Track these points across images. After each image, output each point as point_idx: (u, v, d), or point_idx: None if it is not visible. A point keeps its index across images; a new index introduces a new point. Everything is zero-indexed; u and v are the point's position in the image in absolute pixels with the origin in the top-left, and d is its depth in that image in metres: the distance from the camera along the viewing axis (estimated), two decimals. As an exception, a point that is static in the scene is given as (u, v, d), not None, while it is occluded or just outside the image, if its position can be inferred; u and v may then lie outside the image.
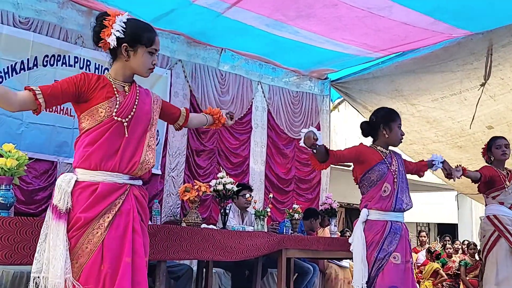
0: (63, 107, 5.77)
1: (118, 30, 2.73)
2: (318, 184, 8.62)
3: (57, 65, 5.75)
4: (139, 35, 2.79)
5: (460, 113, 7.45)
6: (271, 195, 6.56)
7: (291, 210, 6.03)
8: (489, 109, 7.14)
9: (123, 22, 2.75)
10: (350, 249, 4.14)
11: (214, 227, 5.18)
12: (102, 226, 2.62)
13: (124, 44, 2.75)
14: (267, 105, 8.07)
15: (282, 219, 6.63)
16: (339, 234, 7.46)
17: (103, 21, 2.77)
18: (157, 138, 3.34)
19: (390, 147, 4.33)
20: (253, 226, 5.62)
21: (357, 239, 4.06)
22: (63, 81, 2.74)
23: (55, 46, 5.75)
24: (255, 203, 6.03)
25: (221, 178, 5.19)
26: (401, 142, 4.29)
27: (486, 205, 5.63)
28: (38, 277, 2.62)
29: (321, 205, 6.95)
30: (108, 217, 2.64)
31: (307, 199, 8.37)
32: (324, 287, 7.78)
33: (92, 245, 2.58)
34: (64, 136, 5.80)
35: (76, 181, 2.69)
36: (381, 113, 4.38)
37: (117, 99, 2.77)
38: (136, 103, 2.83)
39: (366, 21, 6.10)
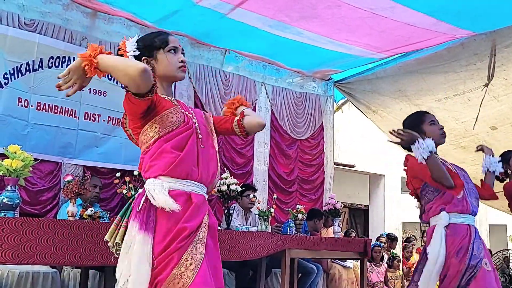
0: (68, 108, 5.80)
1: (132, 50, 2.58)
2: (321, 185, 8.63)
3: (62, 66, 5.77)
4: (151, 42, 2.65)
5: (463, 113, 7.45)
6: (275, 196, 6.58)
7: (294, 211, 6.05)
8: (492, 109, 7.14)
9: (135, 41, 2.62)
10: (429, 257, 3.61)
11: (218, 228, 5.20)
12: (202, 240, 2.38)
13: (143, 58, 2.59)
14: (271, 106, 8.09)
15: (285, 220, 6.65)
16: (343, 234, 7.46)
17: (118, 52, 2.62)
18: None
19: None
20: (257, 227, 5.63)
21: (436, 246, 3.57)
22: None
23: (60, 47, 5.77)
24: (258, 203, 6.05)
25: (225, 178, 5.22)
26: (444, 136, 3.85)
27: None
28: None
29: (325, 206, 6.96)
30: (204, 232, 2.41)
31: (311, 199, 8.38)
32: (327, 287, 7.79)
33: (196, 262, 2.30)
34: (69, 137, 5.83)
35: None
36: (408, 121, 4.00)
37: (178, 107, 2.60)
38: (192, 114, 2.69)
39: (369, 22, 6.11)
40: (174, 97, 2.78)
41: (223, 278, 2.52)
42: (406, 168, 3.88)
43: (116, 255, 2.41)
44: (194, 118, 2.64)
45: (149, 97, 2.37)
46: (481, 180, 4.11)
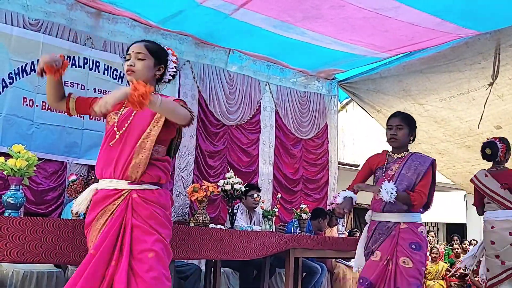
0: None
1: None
2: (326, 184, 8.63)
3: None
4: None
5: (468, 112, 7.44)
6: (279, 195, 6.59)
7: (298, 210, 6.05)
8: (497, 108, 7.13)
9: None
10: None
11: (222, 227, 5.21)
12: (97, 229, 2.81)
13: None
14: (275, 106, 8.09)
15: (290, 219, 6.65)
16: (347, 234, 7.45)
17: None
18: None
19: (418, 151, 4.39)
20: (261, 226, 5.64)
21: (362, 236, 4.42)
22: None
23: (64, 47, 5.79)
24: (263, 203, 6.05)
25: (229, 178, 5.22)
26: (392, 142, 4.23)
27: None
28: None
29: (329, 205, 6.94)
30: (102, 221, 2.82)
31: (315, 199, 8.38)
32: (332, 287, 7.78)
33: (91, 245, 2.80)
34: (74, 137, 5.85)
35: (96, 189, 2.96)
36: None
37: (121, 111, 3.03)
38: (132, 114, 2.99)
39: (373, 22, 6.11)
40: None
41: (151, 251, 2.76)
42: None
43: None
44: (117, 121, 2.99)
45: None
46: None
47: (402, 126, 4.20)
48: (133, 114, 2.96)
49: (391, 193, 3.94)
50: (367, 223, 4.38)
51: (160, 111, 2.79)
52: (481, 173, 5.66)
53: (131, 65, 2.96)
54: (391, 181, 4.05)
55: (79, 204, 2.96)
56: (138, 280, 2.65)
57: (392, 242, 4.03)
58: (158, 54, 3.07)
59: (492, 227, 5.56)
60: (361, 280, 4.09)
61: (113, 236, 2.74)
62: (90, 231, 2.85)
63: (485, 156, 5.68)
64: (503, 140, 5.59)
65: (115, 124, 2.95)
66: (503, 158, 5.52)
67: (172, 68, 3.12)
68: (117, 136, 2.91)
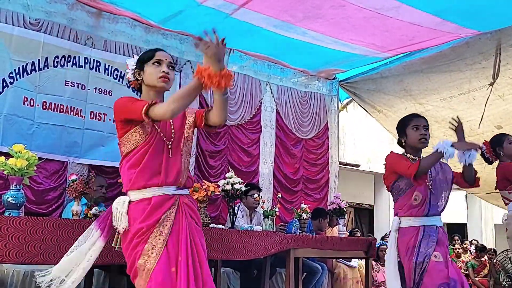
0: (74, 107, 5.82)
1: (132, 65, 3.04)
2: (326, 184, 8.64)
3: (67, 66, 5.80)
4: (141, 57, 3.03)
5: (468, 112, 7.43)
6: (279, 195, 6.58)
7: (299, 210, 6.04)
8: (498, 108, 7.13)
9: (137, 59, 3.06)
10: (385, 258, 4.20)
11: (223, 227, 5.21)
12: (163, 233, 2.77)
13: (135, 71, 3.02)
14: (276, 105, 8.09)
15: (290, 219, 6.65)
16: (348, 233, 7.46)
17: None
18: None
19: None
20: (262, 226, 5.64)
21: (389, 247, 4.07)
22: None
23: (65, 47, 5.80)
24: (263, 202, 6.05)
25: (230, 178, 5.22)
26: (422, 142, 4.00)
27: (509, 201, 5.47)
28: (59, 277, 2.85)
29: (330, 205, 6.95)
30: (167, 225, 2.79)
31: (316, 199, 8.38)
32: (332, 287, 7.79)
33: (158, 250, 2.72)
34: (75, 136, 5.85)
35: (129, 202, 2.88)
36: (398, 123, 4.25)
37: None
38: (172, 122, 2.98)
39: (373, 22, 6.11)
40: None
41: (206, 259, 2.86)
42: (385, 164, 4.17)
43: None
44: (159, 129, 2.92)
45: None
46: (461, 172, 4.23)
47: (427, 127, 4.08)
48: (172, 122, 2.97)
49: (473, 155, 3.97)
50: (392, 231, 4.08)
51: (224, 101, 2.84)
52: None
53: (167, 73, 2.94)
54: (431, 188, 3.97)
55: (120, 221, 2.83)
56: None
57: (441, 244, 3.92)
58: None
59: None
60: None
61: (188, 242, 2.79)
62: (148, 237, 2.75)
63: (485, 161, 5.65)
64: (491, 139, 5.56)
65: (159, 130, 2.91)
66: (493, 157, 5.49)
67: None
68: (170, 146, 2.91)
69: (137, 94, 3.12)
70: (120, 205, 2.87)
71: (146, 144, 2.87)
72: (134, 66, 3.02)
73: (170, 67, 2.99)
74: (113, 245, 2.92)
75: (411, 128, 4.04)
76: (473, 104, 7.26)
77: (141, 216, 2.78)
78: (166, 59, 2.98)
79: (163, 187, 2.86)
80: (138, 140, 2.88)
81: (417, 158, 4.01)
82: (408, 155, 4.05)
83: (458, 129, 4.19)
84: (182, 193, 2.95)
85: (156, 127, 2.90)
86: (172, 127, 2.95)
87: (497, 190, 5.32)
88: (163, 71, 2.93)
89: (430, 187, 3.98)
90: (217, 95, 2.82)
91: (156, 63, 2.96)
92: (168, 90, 3.02)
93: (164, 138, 2.91)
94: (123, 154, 2.95)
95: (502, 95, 6.92)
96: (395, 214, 4.10)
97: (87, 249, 2.89)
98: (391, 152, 4.17)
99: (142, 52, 3.15)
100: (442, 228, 4.03)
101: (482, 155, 5.36)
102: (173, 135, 2.94)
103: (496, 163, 5.33)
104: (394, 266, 3.97)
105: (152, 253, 2.71)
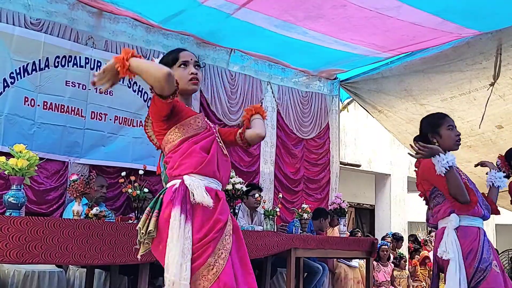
0: (74, 108, 5.82)
1: None
2: (327, 184, 8.63)
3: (68, 66, 5.80)
4: (165, 60, 2.85)
5: (469, 113, 7.44)
6: (280, 195, 6.59)
7: (300, 210, 6.05)
8: (498, 108, 7.13)
9: (160, 58, 2.91)
10: (444, 257, 3.57)
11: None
12: (229, 232, 2.62)
13: None
14: (277, 105, 8.09)
15: (291, 219, 6.65)
16: (349, 234, 7.46)
17: None
18: None
19: None
20: (263, 226, 5.64)
21: (452, 246, 3.54)
22: None
23: (66, 47, 5.79)
24: (264, 203, 6.05)
25: (231, 178, 5.22)
26: (459, 144, 3.74)
27: None
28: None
29: (330, 205, 6.96)
30: (230, 224, 2.65)
31: (316, 199, 8.38)
32: (333, 287, 7.79)
33: (226, 252, 2.54)
34: (76, 137, 5.85)
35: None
36: (425, 122, 3.91)
37: (202, 115, 2.87)
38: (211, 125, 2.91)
39: (374, 22, 6.10)
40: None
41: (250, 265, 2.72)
42: (417, 169, 3.85)
43: (142, 242, 2.58)
44: (214, 128, 2.88)
45: (171, 100, 2.55)
46: (484, 194, 3.96)
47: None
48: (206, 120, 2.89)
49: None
50: (445, 228, 3.64)
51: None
52: None
53: (196, 74, 2.81)
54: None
55: (206, 196, 2.56)
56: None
57: (494, 251, 3.65)
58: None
59: None
60: None
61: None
62: (222, 234, 2.57)
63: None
64: (505, 155, 5.37)
65: (207, 124, 2.84)
66: (508, 171, 5.24)
67: None
68: (221, 144, 2.84)
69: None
70: (195, 181, 2.61)
71: (207, 136, 2.79)
72: None
73: (197, 67, 2.84)
74: (139, 225, 2.58)
75: (446, 128, 3.73)
76: (473, 104, 7.26)
77: (216, 208, 2.60)
78: (191, 59, 2.84)
79: (220, 184, 2.78)
80: (199, 127, 2.78)
81: None
82: None
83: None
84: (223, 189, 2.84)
85: (194, 119, 2.79)
86: (208, 123, 2.90)
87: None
88: (192, 73, 2.79)
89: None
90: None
91: (182, 65, 2.81)
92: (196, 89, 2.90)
93: (217, 136, 2.87)
94: (177, 141, 2.72)
95: (502, 95, 6.92)
96: (449, 213, 3.64)
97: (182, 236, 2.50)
98: (423, 162, 3.73)
99: (164, 55, 2.94)
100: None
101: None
102: (217, 134, 2.90)
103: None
104: (461, 265, 3.50)
105: (222, 253, 2.51)
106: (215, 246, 2.50)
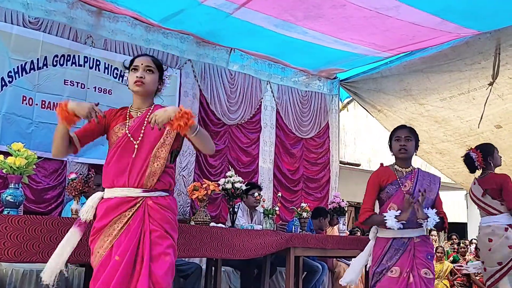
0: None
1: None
2: (327, 183, 8.63)
3: (66, 65, 5.80)
4: (128, 64, 3.21)
5: (468, 112, 7.44)
6: (279, 194, 6.59)
7: (299, 209, 6.04)
8: (497, 108, 7.13)
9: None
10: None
11: (223, 226, 5.21)
12: (111, 234, 2.90)
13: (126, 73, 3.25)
14: (276, 105, 8.09)
15: (291, 218, 6.65)
16: (348, 232, 7.44)
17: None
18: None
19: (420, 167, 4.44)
20: (262, 225, 5.64)
21: (363, 253, 4.33)
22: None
23: (64, 46, 5.80)
24: (263, 202, 6.04)
25: (230, 177, 5.22)
26: (401, 153, 4.16)
27: (496, 214, 5.39)
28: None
29: (330, 204, 6.95)
30: (118, 226, 2.91)
31: (316, 198, 8.38)
32: (333, 286, 7.78)
33: (102, 250, 2.88)
34: (74, 135, 5.84)
35: (102, 197, 3.06)
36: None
37: (127, 123, 3.11)
38: (144, 125, 3.08)
39: (374, 21, 6.10)
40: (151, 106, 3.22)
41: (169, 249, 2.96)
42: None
43: None
44: (126, 129, 3.09)
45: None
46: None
47: (410, 138, 4.18)
48: (144, 125, 3.07)
49: (434, 220, 3.95)
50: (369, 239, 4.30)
51: (196, 139, 2.94)
52: (472, 181, 5.63)
53: (141, 77, 3.08)
54: (428, 207, 4.02)
55: (87, 212, 3.04)
56: (154, 281, 2.83)
57: (409, 256, 4.01)
58: (161, 69, 3.24)
59: (479, 233, 5.60)
60: None
61: (135, 242, 2.87)
62: (100, 235, 2.92)
63: (468, 169, 5.67)
64: (479, 148, 5.53)
65: (128, 134, 3.05)
66: (482, 165, 5.47)
67: (167, 83, 3.30)
68: (136, 146, 3.02)
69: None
70: (91, 199, 3.07)
71: (116, 144, 3.04)
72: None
73: (148, 71, 3.12)
74: None
75: (394, 140, 4.24)
76: (472, 104, 7.26)
77: (98, 215, 2.97)
78: (142, 64, 3.12)
79: (128, 189, 2.98)
80: (114, 141, 3.08)
81: (406, 170, 4.18)
82: (396, 166, 4.21)
83: (405, 204, 4.03)
84: (150, 195, 3.00)
85: (117, 129, 3.09)
86: (142, 129, 3.07)
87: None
88: (137, 76, 3.08)
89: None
90: (190, 137, 2.96)
91: (133, 70, 3.13)
92: (147, 94, 3.16)
93: (132, 139, 3.04)
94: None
95: (501, 95, 6.93)
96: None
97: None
98: (376, 171, 4.31)
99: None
100: (419, 240, 4.08)
101: (470, 161, 5.42)
102: (141, 136, 3.05)
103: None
104: (360, 261, 4.31)
105: (98, 252, 2.89)
106: (94, 246, 2.93)
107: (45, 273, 3.05)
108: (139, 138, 3.04)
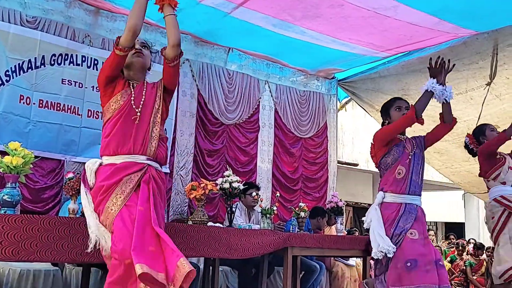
0: (71, 106, 5.82)
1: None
2: (325, 183, 8.63)
3: (64, 64, 5.80)
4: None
5: (466, 112, 7.43)
6: (277, 194, 6.59)
7: (297, 209, 6.04)
8: (495, 108, 7.13)
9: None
10: (365, 226, 4.39)
11: (221, 225, 5.20)
12: (124, 192, 3.05)
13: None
14: (274, 105, 8.09)
15: (289, 218, 6.65)
16: (346, 232, 7.46)
17: None
18: (166, 133, 3.60)
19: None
20: (260, 224, 5.64)
21: (373, 216, 4.28)
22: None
23: (62, 45, 5.80)
24: (261, 201, 6.04)
25: (228, 176, 5.22)
26: None
27: (488, 189, 5.64)
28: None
29: (328, 204, 6.96)
30: (129, 185, 3.08)
31: (315, 197, 8.39)
32: (330, 285, 7.78)
33: (117, 207, 3.00)
34: (72, 135, 5.85)
35: (100, 164, 3.23)
36: (382, 107, 4.66)
37: (128, 91, 3.30)
38: (144, 92, 3.33)
39: (372, 21, 6.10)
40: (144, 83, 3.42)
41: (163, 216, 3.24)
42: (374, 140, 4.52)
43: None
44: (133, 99, 3.27)
45: (123, 53, 3.18)
46: (440, 114, 4.74)
47: (409, 107, 4.41)
48: (144, 92, 3.32)
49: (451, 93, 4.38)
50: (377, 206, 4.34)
51: (169, 19, 3.46)
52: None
53: (140, 49, 3.39)
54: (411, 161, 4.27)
55: (90, 177, 3.21)
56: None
57: (420, 222, 4.22)
58: (150, 49, 3.61)
59: None
60: (409, 263, 4.01)
61: (148, 200, 3.05)
62: (111, 193, 3.04)
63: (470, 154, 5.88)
64: (472, 132, 5.85)
65: (132, 100, 3.25)
66: (477, 147, 5.70)
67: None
68: (138, 114, 3.22)
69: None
70: (91, 163, 3.23)
71: (119, 112, 3.20)
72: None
73: (144, 47, 3.45)
74: None
75: (394, 109, 4.43)
76: (470, 104, 7.26)
77: (104, 175, 3.11)
78: (138, 40, 3.39)
79: (133, 156, 3.17)
80: (114, 109, 3.22)
81: (403, 136, 4.42)
82: None
83: (438, 67, 4.56)
84: (152, 165, 3.24)
85: (120, 97, 3.24)
86: (143, 94, 3.30)
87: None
88: (136, 49, 3.35)
89: (411, 159, 4.31)
90: (165, 16, 3.40)
91: (134, 49, 3.35)
92: (144, 66, 3.47)
93: (134, 106, 3.23)
94: (103, 123, 3.26)
95: (499, 95, 6.93)
96: (380, 189, 4.39)
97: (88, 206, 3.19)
98: (380, 129, 4.51)
99: None
100: (421, 208, 4.33)
101: (466, 147, 5.59)
102: (142, 102, 3.26)
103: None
104: (381, 227, 4.18)
105: (111, 209, 3.00)
106: (105, 204, 3.03)
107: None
108: (140, 106, 3.24)
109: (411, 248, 4.05)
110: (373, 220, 4.27)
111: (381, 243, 4.10)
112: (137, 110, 3.23)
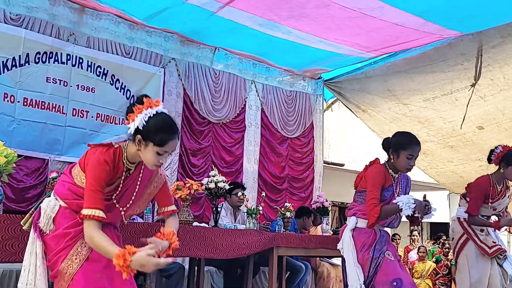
0: (55, 104, 5.78)
1: (140, 122, 2.74)
2: (311, 183, 8.64)
3: (49, 62, 5.76)
4: (154, 133, 2.75)
5: (451, 113, 7.49)
6: (263, 194, 6.58)
7: (283, 209, 6.04)
8: (479, 109, 7.18)
9: (149, 116, 2.75)
10: (341, 253, 4.34)
11: (206, 226, 5.19)
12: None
13: (138, 136, 2.76)
14: (261, 104, 8.09)
15: (275, 218, 6.64)
16: (331, 232, 7.46)
17: (135, 105, 2.78)
18: None
19: None
20: (245, 224, 5.63)
21: (347, 244, 4.21)
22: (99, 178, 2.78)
23: (47, 43, 5.75)
24: (247, 201, 6.04)
25: (213, 176, 5.21)
26: (406, 171, 4.22)
27: (459, 206, 5.46)
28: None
29: (313, 204, 6.97)
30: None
31: (300, 197, 8.39)
32: (316, 285, 7.79)
33: (82, 256, 2.74)
34: (56, 134, 5.81)
35: (60, 206, 2.89)
36: (397, 137, 4.28)
37: (120, 181, 2.92)
38: (137, 186, 2.99)
39: (358, 22, 6.12)
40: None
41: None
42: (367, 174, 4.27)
43: None
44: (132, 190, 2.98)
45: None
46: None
47: (418, 156, 4.21)
48: (136, 189, 3.01)
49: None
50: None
51: None
52: None
53: (162, 163, 2.83)
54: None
55: (48, 222, 2.86)
56: None
57: (390, 244, 4.25)
58: None
59: None
60: (395, 283, 3.97)
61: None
62: (74, 244, 2.78)
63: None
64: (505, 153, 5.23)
65: (115, 202, 2.95)
66: (497, 162, 5.30)
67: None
68: (122, 213, 3.01)
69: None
70: (50, 208, 2.89)
71: (108, 195, 2.87)
72: (141, 129, 2.75)
73: (169, 155, 2.91)
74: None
75: (405, 155, 4.11)
76: (455, 105, 7.31)
77: (70, 222, 2.80)
78: (170, 151, 2.84)
79: None
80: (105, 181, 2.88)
81: (396, 175, 4.22)
82: (390, 171, 4.21)
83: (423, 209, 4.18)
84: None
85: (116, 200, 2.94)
86: (132, 197, 3.00)
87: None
88: (160, 162, 2.82)
89: (394, 199, 4.16)
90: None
91: (159, 153, 2.78)
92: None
93: (117, 205, 2.94)
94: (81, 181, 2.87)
95: (483, 96, 6.98)
96: (352, 214, 4.27)
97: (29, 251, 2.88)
98: (375, 165, 4.26)
99: (162, 116, 2.81)
100: (387, 232, 4.36)
101: (491, 154, 5.30)
102: (129, 203, 3.00)
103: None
104: (355, 260, 4.11)
105: (76, 258, 2.73)
106: (68, 253, 2.75)
107: None
108: (127, 205, 3.00)
109: (393, 268, 4.05)
110: (347, 248, 4.21)
111: (354, 282, 4.08)
112: (121, 209, 2.98)
